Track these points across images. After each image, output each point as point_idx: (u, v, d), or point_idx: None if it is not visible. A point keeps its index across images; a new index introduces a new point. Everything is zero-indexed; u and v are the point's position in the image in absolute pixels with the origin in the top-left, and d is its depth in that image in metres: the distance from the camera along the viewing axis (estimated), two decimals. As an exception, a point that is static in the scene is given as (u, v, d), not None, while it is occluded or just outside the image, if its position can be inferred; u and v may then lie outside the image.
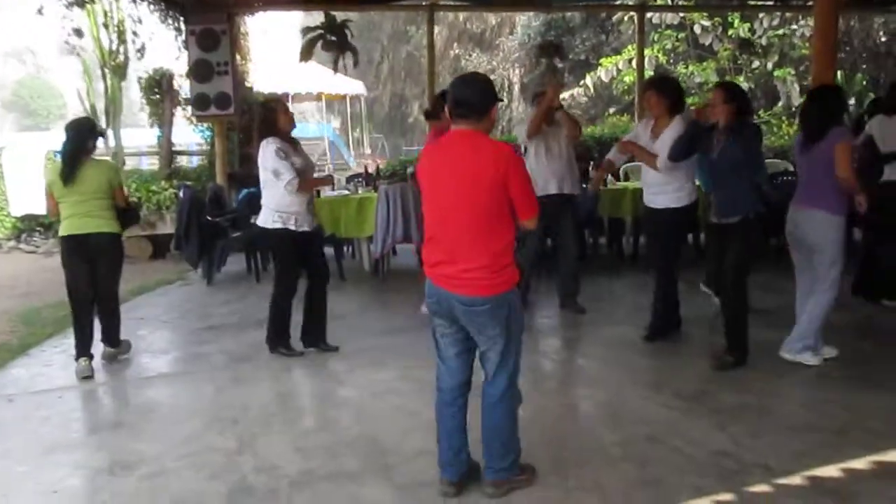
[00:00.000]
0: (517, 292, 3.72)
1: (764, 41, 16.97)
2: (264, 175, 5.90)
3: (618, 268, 9.26)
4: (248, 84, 11.82)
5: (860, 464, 4.00)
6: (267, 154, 5.81)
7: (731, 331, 5.55)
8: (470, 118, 3.60)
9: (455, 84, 3.69)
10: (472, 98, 3.60)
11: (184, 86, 11.62)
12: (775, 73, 17.45)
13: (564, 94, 18.47)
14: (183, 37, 10.72)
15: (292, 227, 5.87)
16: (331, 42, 10.55)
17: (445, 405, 3.81)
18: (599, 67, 18.40)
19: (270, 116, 5.92)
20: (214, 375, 5.79)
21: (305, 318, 6.19)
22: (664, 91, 6.03)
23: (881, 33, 19.53)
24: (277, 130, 5.89)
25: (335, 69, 11.10)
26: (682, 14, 17.03)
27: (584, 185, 7.95)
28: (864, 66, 18.72)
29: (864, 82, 17.02)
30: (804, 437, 4.35)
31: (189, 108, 11.37)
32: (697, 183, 6.16)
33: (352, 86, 21.38)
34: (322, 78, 18.38)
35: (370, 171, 11.35)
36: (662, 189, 5.95)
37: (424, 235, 3.76)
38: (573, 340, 6.67)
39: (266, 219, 5.94)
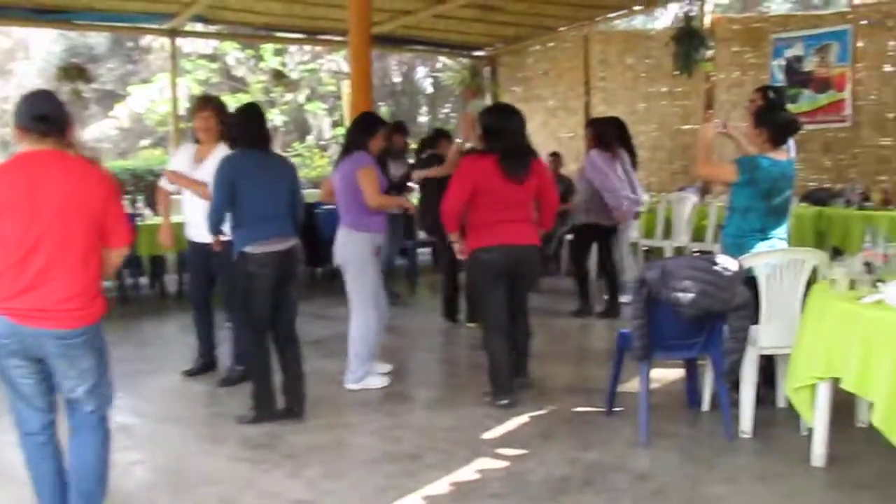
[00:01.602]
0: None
1: (296, 75, 17.39)
2: None
3: (163, 308, 8.63)
4: None
5: (439, 488, 3.97)
6: None
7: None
8: (53, 136, 3.14)
9: (32, 98, 3.20)
10: (56, 113, 3.15)
11: None
12: (306, 107, 17.97)
13: (91, 128, 17.23)
14: None
15: None
16: None
17: (42, 446, 3.36)
18: (128, 98, 17.46)
19: None
20: None
21: None
22: (224, 114, 5.66)
23: (396, 72, 21.21)
24: None
25: None
26: (214, 45, 16.79)
27: None
28: (381, 103, 20.11)
29: (388, 117, 18.19)
30: (383, 468, 4.21)
31: None
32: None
33: None
34: None
35: None
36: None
37: None
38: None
39: None
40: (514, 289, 5.30)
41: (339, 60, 17.73)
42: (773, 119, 4.94)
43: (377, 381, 5.61)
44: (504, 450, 4.45)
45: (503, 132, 5.15)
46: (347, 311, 5.65)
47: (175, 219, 6.26)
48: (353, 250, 5.53)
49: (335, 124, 18.24)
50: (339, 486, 4.03)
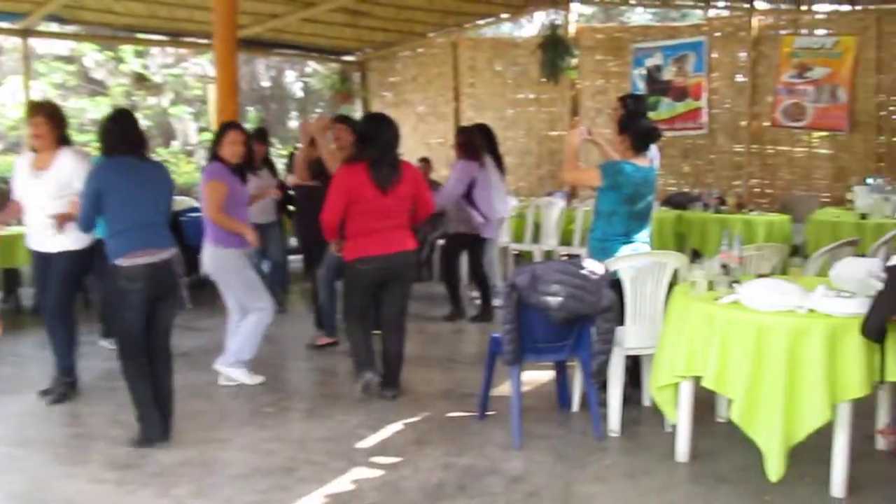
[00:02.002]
0: None
1: (159, 78, 16.86)
2: None
3: (19, 323, 8.19)
4: None
5: (313, 500, 3.91)
6: None
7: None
8: None
9: None
10: None
11: None
12: (171, 111, 17.46)
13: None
14: None
15: None
16: None
17: None
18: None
19: None
20: None
21: None
22: (57, 119, 5.37)
23: (265, 76, 20.87)
24: None
25: None
26: (71, 46, 16.09)
27: None
28: (251, 108, 19.76)
29: (257, 121, 17.89)
30: (255, 483, 4.10)
31: None
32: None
33: None
34: None
35: None
36: (54, 231, 5.22)
37: None
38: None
39: None
40: (388, 295, 5.41)
41: (204, 63, 17.30)
42: (634, 126, 5.10)
43: (246, 378, 5.73)
44: (379, 458, 4.43)
45: (373, 141, 5.20)
46: (217, 322, 5.55)
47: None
48: (219, 266, 5.61)
49: (201, 129, 17.80)
50: (210, 503, 3.91)
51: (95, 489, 4.10)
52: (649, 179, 5.12)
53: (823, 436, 3.78)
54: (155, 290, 4.62)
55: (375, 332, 5.57)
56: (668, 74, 11.02)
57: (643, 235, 5.17)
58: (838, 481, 3.80)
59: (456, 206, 7.75)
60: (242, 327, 5.70)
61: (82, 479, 4.23)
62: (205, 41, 11.39)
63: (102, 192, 4.54)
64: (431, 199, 5.64)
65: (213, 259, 5.60)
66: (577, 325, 4.58)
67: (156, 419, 4.60)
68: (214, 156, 5.63)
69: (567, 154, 5.29)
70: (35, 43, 13.23)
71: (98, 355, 6.47)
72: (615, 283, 4.63)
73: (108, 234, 4.65)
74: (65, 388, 5.47)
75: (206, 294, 7.88)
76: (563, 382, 5.16)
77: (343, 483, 4.11)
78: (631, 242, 5.05)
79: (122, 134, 4.67)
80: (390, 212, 5.21)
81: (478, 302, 8.05)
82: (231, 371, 5.71)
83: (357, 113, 13.72)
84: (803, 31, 10.14)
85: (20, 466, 4.43)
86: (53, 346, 5.50)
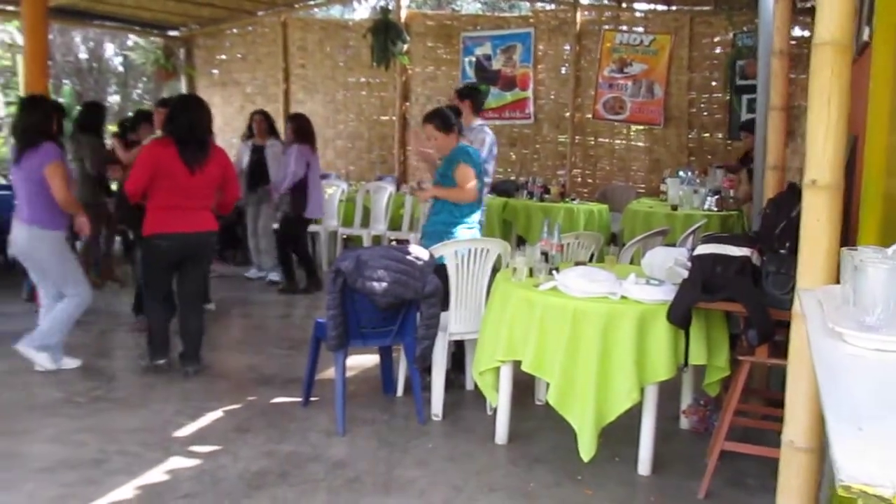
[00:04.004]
0: None
1: (-40, 45, 15.65)
2: None
3: None
4: None
5: (125, 493, 3.75)
6: None
7: None
8: None
9: None
10: None
11: None
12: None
13: None
14: None
15: None
16: None
17: None
18: None
19: None
20: None
21: None
22: None
23: (82, 48, 19.78)
24: None
25: None
26: None
27: None
28: (68, 81, 18.68)
29: (72, 96, 16.90)
30: (61, 477, 3.89)
31: None
32: None
33: None
34: None
35: None
36: None
37: None
38: None
39: None
40: (186, 273, 5.48)
41: (12, 31, 16.15)
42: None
43: (48, 362, 5.46)
44: (197, 447, 4.30)
45: (179, 121, 5.26)
46: (27, 307, 5.24)
47: None
48: (38, 248, 5.37)
49: (9, 104, 16.63)
50: (10, 499, 3.67)
51: None
52: (479, 162, 5.27)
53: (633, 417, 3.97)
54: None
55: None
56: (497, 64, 11.24)
57: (478, 217, 5.30)
58: (645, 459, 4.01)
59: (293, 189, 7.98)
60: (56, 311, 5.45)
61: None
62: (11, 8, 10.62)
63: None
64: (237, 185, 5.81)
65: (32, 241, 5.33)
66: (402, 310, 4.60)
67: None
68: (47, 133, 5.33)
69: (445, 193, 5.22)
70: None
71: None
72: (440, 269, 4.67)
73: None
74: None
75: (12, 279, 7.44)
76: (387, 367, 5.19)
77: (157, 474, 3.97)
78: (472, 227, 5.15)
79: None
80: (196, 192, 5.28)
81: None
82: (34, 354, 5.41)
83: (182, 90, 13.24)
84: (623, 27, 10.59)
85: None
86: None
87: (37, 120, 5.34)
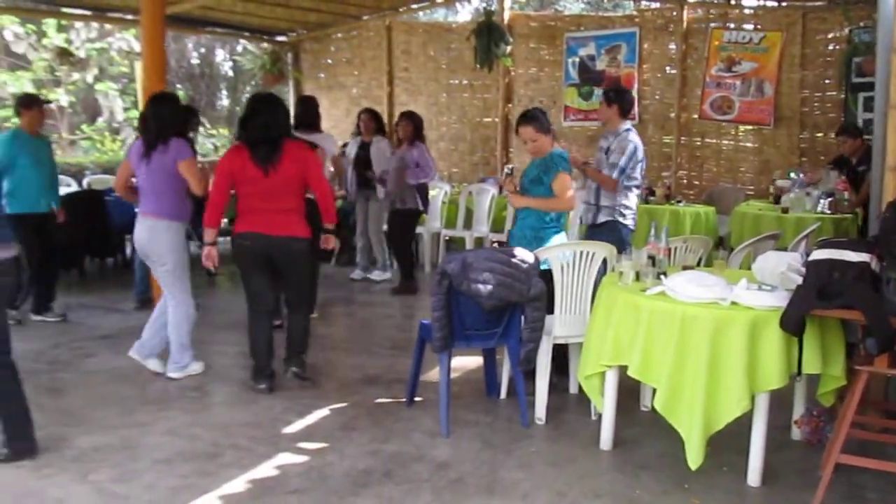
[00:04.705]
0: None
1: (83, 53, 16.36)
2: None
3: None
4: None
5: (237, 486, 3.86)
6: None
7: None
8: None
9: None
10: None
11: None
12: (97, 87, 16.98)
13: None
14: None
15: None
16: None
17: None
18: None
19: None
20: None
21: None
22: None
23: (194, 54, 20.46)
24: None
25: None
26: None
27: None
28: (181, 86, 19.36)
29: (185, 100, 17.51)
30: (178, 468, 4.05)
31: None
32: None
33: None
34: None
35: None
36: None
37: None
38: None
39: None
40: (284, 280, 5.40)
41: (130, 39, 16.83)
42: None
43: (198, 367, 5.61)
44: (305, 444, 4.40)
45: (249, 122, 5.19)
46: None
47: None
48: (177, 239, 5.42)
49: (126, 109, 17.33)
50: (131, 489, 3.84)
51: (10, 473, 4.00)
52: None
53: (742, 425, 3.88)
54: None
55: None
56: (601, 64, 11.12)
57: (563, 221, 5.29)
58: (755, 470, 3.90)
59: (408, 185, 8.28)
60: (173, 323, 5.48)
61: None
62: (131, 17, 11.07)
63: None
64: (325, 181, 5.46)
65: (156, 232, 5.36)
66: (507, 312, 4.60)
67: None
68: (179, 132, 5.50)
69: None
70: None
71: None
72: (545, 272, 4.66)
73: None
74: None
75: (131, 276, 7.74)
76: (491, 370, 5.19)
77: (268, 468, 4.08)
78: (560, 231, 5.14)
79: None
80: (273, 192, 5.12)
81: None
82: (186, 372, 5.53)
83: (289, 94, 13.57)
84: (731, 25, 10.33)
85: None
86: None
87: (167, 116, 5.39)
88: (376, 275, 8.99)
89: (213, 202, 5.21)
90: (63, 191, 9.41)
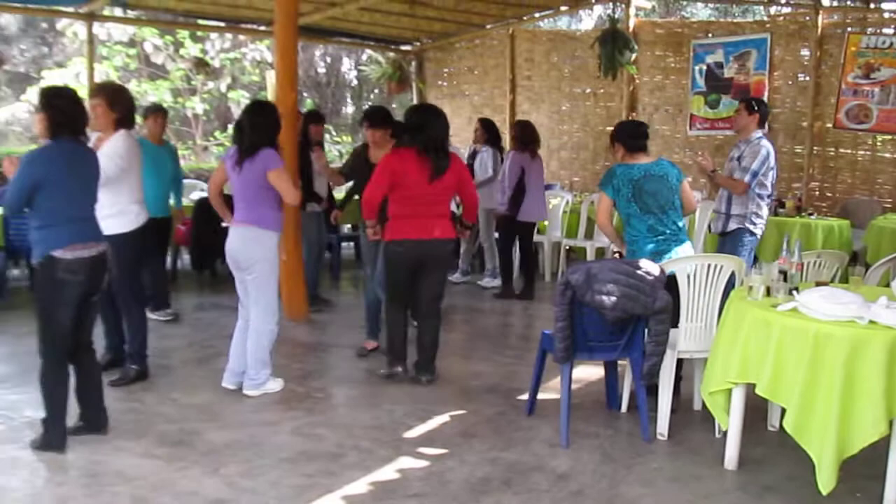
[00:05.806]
0: None
1: (217, 63, 17.05)
2: None
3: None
4: None
5: (359, 487, 3.94)
6: None
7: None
8: None
9: None
10: None
11: None
12: (229, 95, 17.65)
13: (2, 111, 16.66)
14: None
15: None
16: None
17: None
18: (42, 81, 16.89)
19: None
20: None
21: None
22: (115, 101, 5.37)
23: (321, 64, 20.99)
24: None
25: None
26: (131, 31, 16.34)
27: None
28: (307, 94, 19.90)
29: (312, 108, 18.00)
30: (302, 467, 4.16)
31: None
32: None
33: None
34: None
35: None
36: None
37: None
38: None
39: None
40: (424, 281, 5.57)
41: (262, 49, 17.44)
42: (621, 131, 5.38)
43: (276, 385, 5.43)
44: (425, 449, 4.45)
45: (424, 129, 5.34)
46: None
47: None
48: (267, 248, 5.25)
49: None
50: (258, 484, 3.96)
51: (147, 464, 4.19)
52: (653, 172, 5.00)
53: (878, 449, 3.70)
54: (90, 286, 4.38)
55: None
56: (729, 72, 10.83)
57: (672, 227, 5.01)
58: (891, 498, 3.70)
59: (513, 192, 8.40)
60: (254, 338, 5.32)
61: (134, 453, 4.33)
62: (264, 28, 11.47)
63: (42, 180, 4.16)
64: (475, 191, 5.80)
65: (247, 241, 5.22)
66: (630, 325, 4.54)
67: (63, 426, 4.36)
68: (269, 140, 5.22)
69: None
70: (96, 28, 13.38)
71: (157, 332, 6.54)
72: (670, 284, 4.57)
73: (43, 223, 4.26)
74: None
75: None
76: (612, 382, 5.13)
77: (389, 471, 4.14)
78: (657, 237, 4.94)
79: (74, 115, 4.34)
80: (433, 199, 5.41)
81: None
82: (262, 390, 5.36)
83: (413, 102, 13.77)
84: (870, 29, 9.89)
85: (74, 439, 4.44)
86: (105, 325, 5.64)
87: (262, 125, 5.20)
88: (486, 281, 9.13)
89: (370, 200, 5.41)
90: (196, 195, 9.82)
